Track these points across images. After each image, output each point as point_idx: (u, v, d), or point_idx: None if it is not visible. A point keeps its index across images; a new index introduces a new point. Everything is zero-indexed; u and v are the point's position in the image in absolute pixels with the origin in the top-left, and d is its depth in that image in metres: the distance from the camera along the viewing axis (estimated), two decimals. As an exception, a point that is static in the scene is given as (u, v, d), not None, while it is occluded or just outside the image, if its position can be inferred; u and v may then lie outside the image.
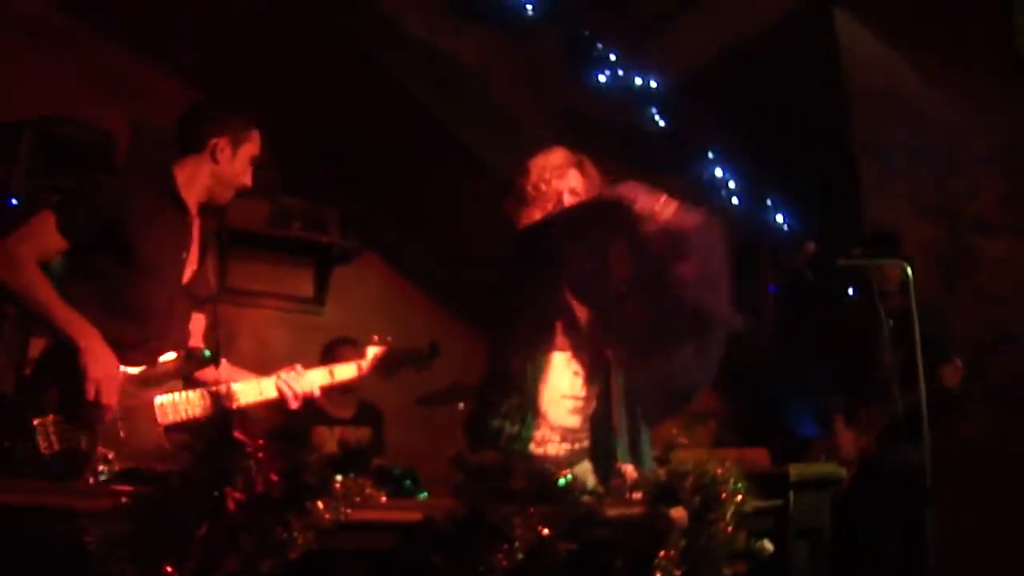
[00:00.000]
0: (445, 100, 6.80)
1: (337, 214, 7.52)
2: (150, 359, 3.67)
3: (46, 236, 3.61)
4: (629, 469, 3.56)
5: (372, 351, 4.34)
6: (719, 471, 3.01)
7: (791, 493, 3.35)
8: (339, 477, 2.53)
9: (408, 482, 5.26)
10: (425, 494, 5.26)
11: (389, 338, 4.41)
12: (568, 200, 3.92)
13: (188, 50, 6.83)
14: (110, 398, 3.49)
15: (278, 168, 7.48)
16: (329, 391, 6.20)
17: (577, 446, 3.82)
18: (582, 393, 3.85)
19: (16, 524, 2.21)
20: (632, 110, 7.43)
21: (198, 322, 4.06)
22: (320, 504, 2.42)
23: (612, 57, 7.34)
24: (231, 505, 2.27)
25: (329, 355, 6.76)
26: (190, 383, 3.80)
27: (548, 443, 3.75)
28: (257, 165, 4.02)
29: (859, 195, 7.05)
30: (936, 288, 6.48)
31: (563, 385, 3.81)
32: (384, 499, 2.63)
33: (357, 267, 7.81)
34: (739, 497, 2.99)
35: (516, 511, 2.62)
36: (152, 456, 3.51)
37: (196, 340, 4.00)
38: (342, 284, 7.76)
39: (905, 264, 5.03)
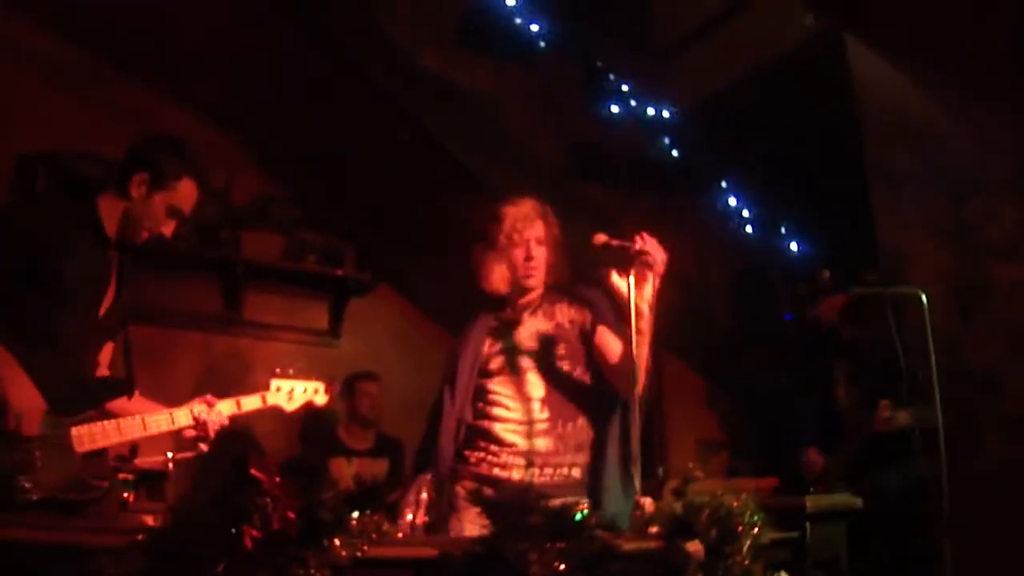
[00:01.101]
0: (459, 132, 6.82)
1: (352, 247, 7.55)
2: (61, 388, 3.58)
3: None
4: (647, 502, 3.54)
5: (275, 383, 4.38)
6: (735, 504, 3.01)
7: (808, 524, 3.34)
8: (355, 514, 2.53)
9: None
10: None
11: (291, 371, 4.47)
12: (534, 249, 4.04)
13: (204, 84, 6.88)
14: (31, 429, 3.44)
15: (294, 201, 7.55)
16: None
17: (554, 472, 3.89)
18: (543, 416, 3.92)
19: (22, 561, 2.22)
20: (645, 140, 7.46)
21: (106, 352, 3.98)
22: (337, 541, 2.42)
23: (625, 87, 7.38)
24: (248, 543, 2.28)
25: (349, 388, 6.80)
26: (103, 413, 3.76)
27: (513, 468, 3.86)
28: (179, 219, 3.90)
29: (873, 221, 7.03)
30: (951, 314, 6.45)
31: (516, 408, 3.94)
32: (400, 535, 2.63)
33: (373, 299, 7.83)
34: (755, 530, 2.99)
35: (532, 547, 2.62)
36: (68, 486, 3.51)
37: (103, 370, 3.95)
38: (358, 316, 7.77)
39: (920, 292, 5.01)
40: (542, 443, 3.88)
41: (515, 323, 4.09)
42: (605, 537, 2.84)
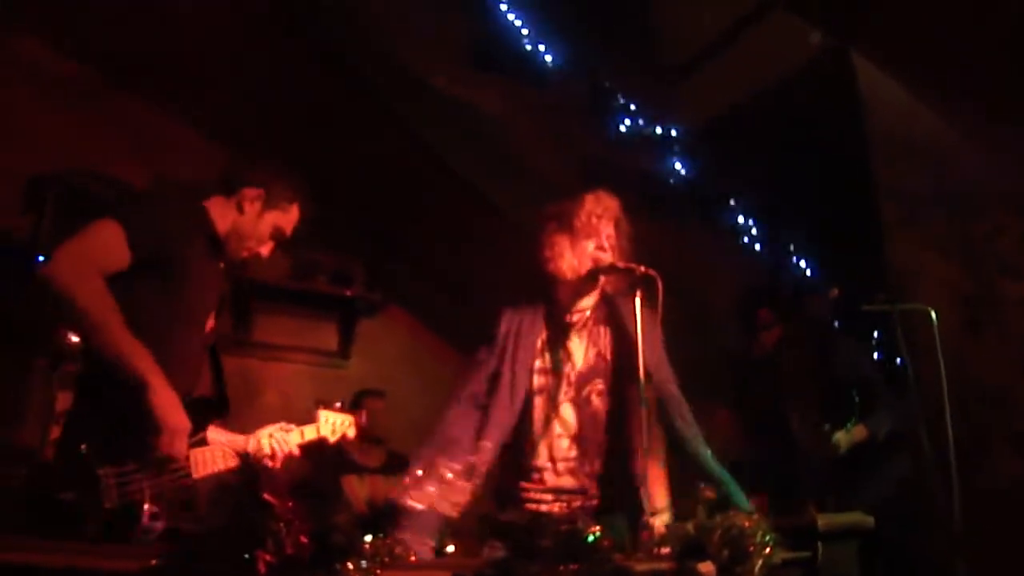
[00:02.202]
0: (468, 152, 6.85)
1: (362, 267, 7.57)
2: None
3: (113, 246, 3.30)
4: (657, 523, 3.54)
5: (324, 415, 4.46)
6: (747, 524, 3.00)
7: (819, 544, 3.34)
8: (368, 537, 2.53)
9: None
10: (451, 548, 5.28)
11: (337, 404, 4.60)
12: (605, 243, 3.89)
13: (213, 104, 6.91)
14: (182, 449, 3.32)
15: (303, 221, 7.56)
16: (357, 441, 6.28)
17: (579, 503, 3.82)
18: (571, 454, 3.85)
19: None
20: (654, 159, 7.47)
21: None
22: (350, 565, 2.42)
23: (633, 107, 7.39)
24: (262, 567, 2.28)
25: (357, 407, 6.81)
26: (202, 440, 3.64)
27: (544, 502, 3.79)
28: (279, 240, 3.83)
29: (881, 239, 7.02)
30: (960, 331, 6.44)
31: (544, 441, 3.87)
32: (413, 558, 2.63)
33: (382, 319, 7.86)
34: (767, 550, 2.98)
35: (544, 569, 2.62)
36: (187, 513, 3.41)
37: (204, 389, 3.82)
38: (367, 337, 7.80)
39: (929, 309, 5.00)
40: (565, 481, 3.82)
41: (565, 337, 3.96)
42: (617, 559, 2.84)
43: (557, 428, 3.86)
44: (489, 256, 6.69)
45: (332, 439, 4.43)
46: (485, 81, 6.97)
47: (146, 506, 3.19)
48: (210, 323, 3.72)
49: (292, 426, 4.07)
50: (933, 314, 4.94)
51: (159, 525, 3.17)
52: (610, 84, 7.39)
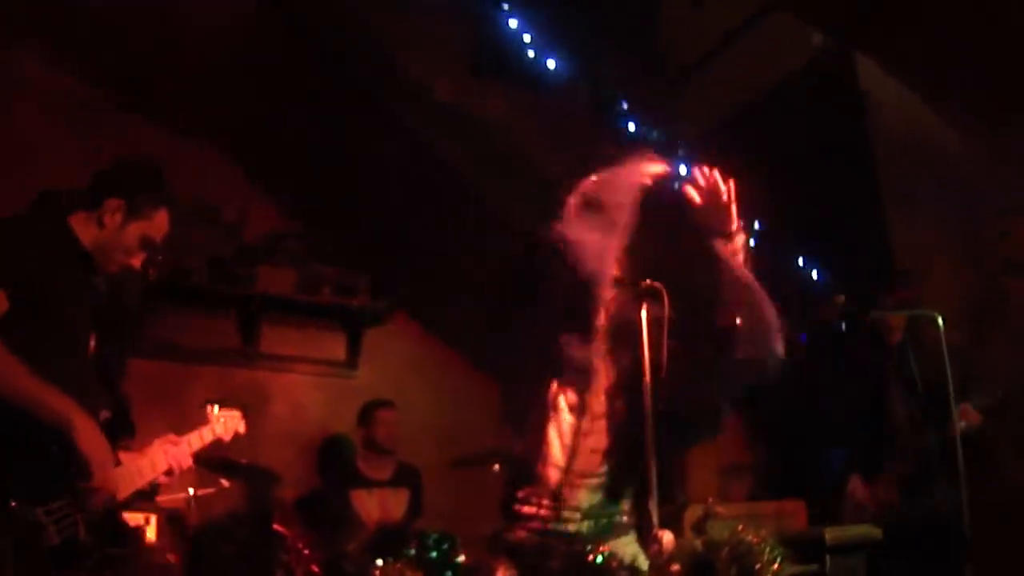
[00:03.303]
0: (472, 160, 6.87)
1: (367, 277, 7.58)
2: None
3: None
4: (667, 536, 3.51)
5: (216, 415, 4.34)
6: (755, 540, 3.01)
7: (827, 557, 3.35)
8: (379, 562, 2.55)
9: (445, 546, 5.31)
10: (462, 558, 5.31)
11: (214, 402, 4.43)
12: None
13: (217, 121, 6.92)
14: (113, 479, 3.33)
15: (307, 234, 7.60)
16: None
17: (605, 521, 3.76)
18: (602, 470, 3.81)
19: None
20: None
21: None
22: (360, 592, 2.43)
23: (636, 113, 7.39)
24: (273, 599, 2.30)
25: (366, 419, 6.83)
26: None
27: (569, 522, 3.61)
28: (150, 250, 3.67)
29: (887, 242, 7.02)
30: (967, 333, 6.44)
31: (577, 466, 3.74)
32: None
33: (389, 329, 7.86)
34: (775, 566, 2.99)
35: (554, 591, 2.63)
36: (116, 536, 3.42)
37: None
38: (374, 346, 7.81)
39: (936, 315, 4.98)
40: (595, 497, 3.66)
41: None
42: (626, 577, 2.85)
43: (596, 443, 3.83)
44: (493, 263, 6.70)
45: (227, 438, 4.33)
46: (489, 88, 6.97)
47: (80, 537, 3.23)
48: (92, 342, 3.64)
49: (178, 437, 3.92)
50: (940, 320, 4.92)
51: (92, 555, 3.23)
52: (613, 90, 7.39)
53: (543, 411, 3.78)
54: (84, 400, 3.47)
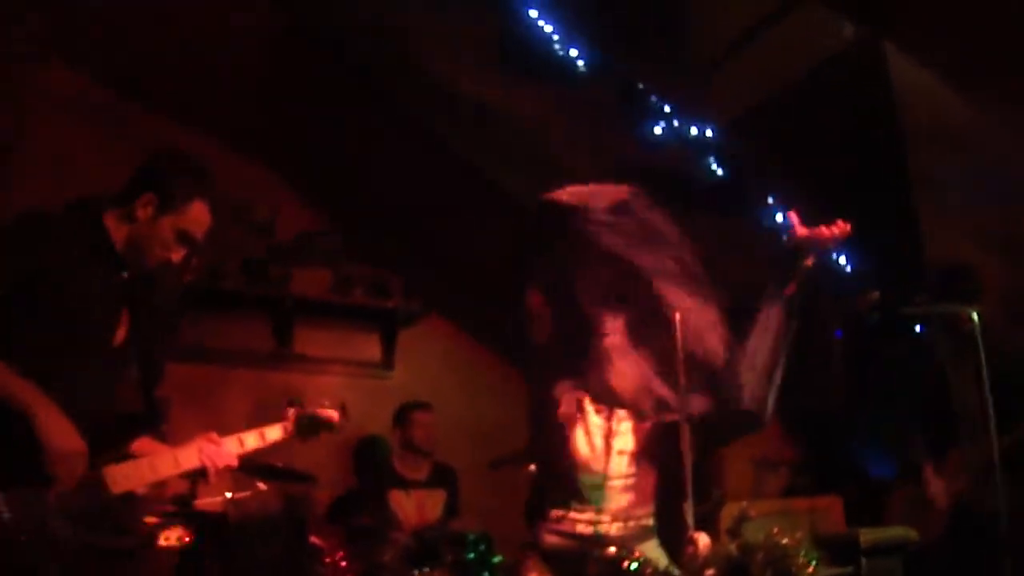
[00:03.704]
0: (500, 157, 6.87)
1: (400, 278, 7.61)
2: (83, 425, 3.35)
3: None
4: (703, 539, 3.51)
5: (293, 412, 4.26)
6: (790, 543, 3.01)
7: (863, 559, 3.34)
8: (416, 572, 2.56)
9: (482, 547, 5.34)
10: (499, 558, 5.33)
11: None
12: None
13: (247, 123, 6.96)
14: (73, 476, 3.27)
15: (339, 234, 7.62)
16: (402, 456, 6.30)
17: (632, 524, 3.78)
18: (631, 471, 3.79)
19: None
20: (689, 158, 7.44)
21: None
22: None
23: (666, 107, 7.37)
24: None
25: (403, 420, 6.84)
26: (127, 453, 3.57)
27: (599, 524, 3.68)
28: (190, 244, 3.66)
29: (919, 232, 6.97)
30: (1002, 323, 6.38)
31: (601, 467, 3.75)
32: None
33: (423, 329, 7.90)
34: (810, 569, 2.98)
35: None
36: (108, 532, 3.36)
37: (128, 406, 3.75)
38: (409, 346, 7.85)
39: (972, 311, 4.91)
40: (621, 499, 3.73)
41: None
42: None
43: (622, 444, 3.81)
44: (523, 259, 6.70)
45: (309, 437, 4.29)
46: (515, 85, 6.96)
47: (50, 528, 3.19)
48: (120, 337, 3.63)
49: (219, 437, 3.84)
50: (975, 316, 4.85)
51: (70, 546, 3.20)
52: (642, 85, 7.37)
53: (570, 413, 3.82)
54: (100, 394, 3.53)
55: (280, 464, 5.44)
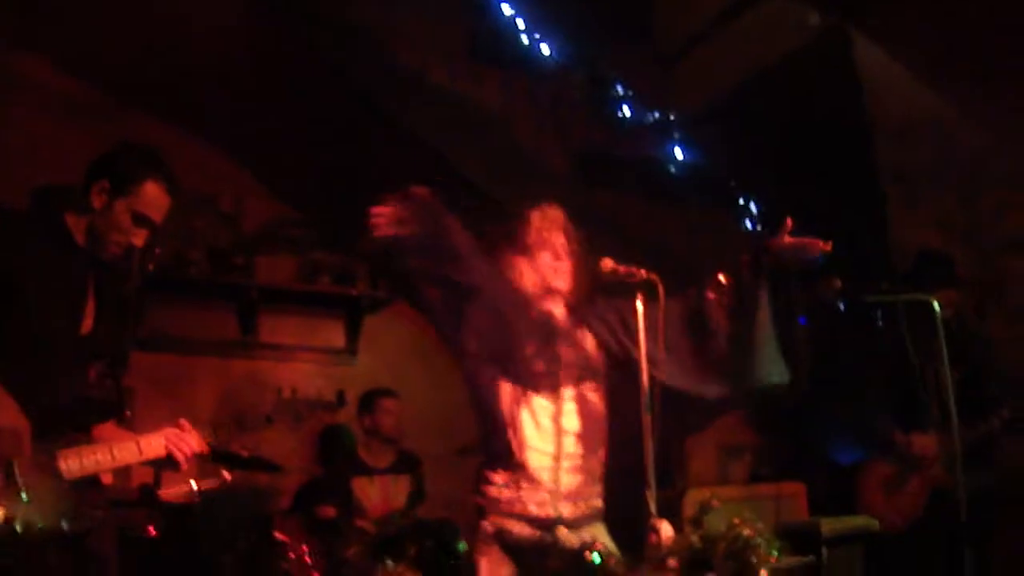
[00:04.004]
0: (468, 146, 6.85)
1: (365, 265, 7.60)
2: (42, 409, 3.35)
3: None
4: (665, 527, 3.51)
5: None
6: (751, 533, 3.02)
7: (824, 549, 3.36)
8: (380, 566, 2.56)
9: (447, 534, 5.34)
10: (464, 545, 5.33)
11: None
12: (561, 253, 3.96)
13: (211, 112, 6.92)
14: (14, 451, 3.24)
15: (304, 223, 7.60)
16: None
17: (583, 504, 3.80)
18: (579, 451, 3.82)
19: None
20: (654, 146, 7.46)
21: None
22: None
23: (632, 95, 7.37)
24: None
25: (367, 407, 6.83)
26: (88, 439, 3.53)
27: (547, 505, 3.71)
28: (149, 227, 3.65)
29: (885, 220, 7.01)
30: (967, 311, 6.43)
31: (550, 447, 3.79)
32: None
33: (388, 316, 7.88)
34: (772, 559, 3.00)
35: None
36: (60, 517, 3.29)
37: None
38: (374, 333, 7.83)
39: (932, 300, 4.94)
40: (571, 480, 3.76)
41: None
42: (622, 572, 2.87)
43: (567, 424, 3.83)
44: (490, 247, 6.69)
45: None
46: (483, 74, 6.96)
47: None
48: (87, 326, 3.63)
49: (189, 424, 3.78)
50: (936, 304, 4.88)
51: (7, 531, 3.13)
52: (608, 73, 7.37)
53: (515, 394, 3.84)
54: (62, 383, 3.50)
55: (246, 453, 5.41)
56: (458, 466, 6.62)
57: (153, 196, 3.63)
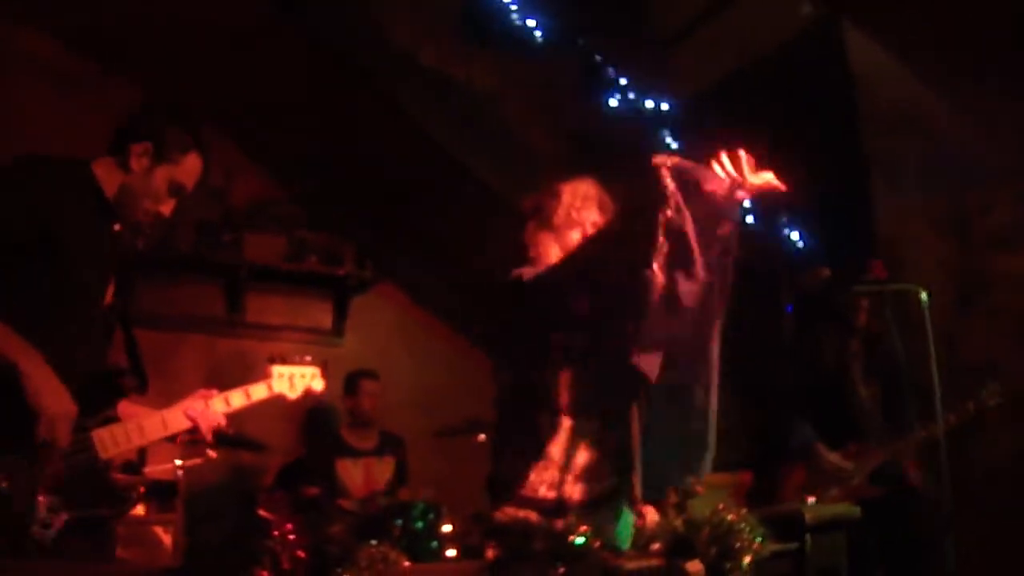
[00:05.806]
0: (458, 128, 6.86)
1: (353, 246, 7.60)
2: (76, 384, 3.22)
3: None
4: (650, 512, 3.51)
5: (277, 370, 4.08)
6: (734, 519, 3.03)
7: (807, 535, 3.36)
8: (364, 545, 2.56)
9: (431, 515, 5.35)
10: (448, 527, 5.33)
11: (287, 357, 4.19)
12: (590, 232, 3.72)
13: (202, 86, 6.89)
14: (64, 438, 3.13)
15: (293, 202, 7.59)
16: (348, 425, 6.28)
17: (596, 485, 3.73)
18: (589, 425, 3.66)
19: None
20: (645, 132, 7.45)
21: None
22: (346, 575, 2.44)
23: (623, 80, 7.37)
24: (258, 584, 2.31)
25: (351, 388, 6.83)
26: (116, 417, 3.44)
27: (563, 484, 3.56)
28: (180, 196, 3.52)
29: (872, 212, 7.03)
30: (951, 306, 6.46)
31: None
32: (407, 564, 2.66)
33: (374, 296, 7.89)
34: (755, 545, 3.01)
35: (537, 572, 2.65)
36: (98, 500, 3.27)
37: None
38: (360, 314, 7.84)
39: (918, 289, 4.95)
40: (582, 457, 3.61)
41: None
42: (606, 558, 2.88)
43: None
44: (478, 230, 6.71)
45: (292, 395, 4.06)
46: (475, 56, 6.96)
47: (40, 498, 3.07)
48: (110, 293, 3.51)
49: (209, 392, 3.73)
50: (924, 295, 4.89)
51: (60, 517, 3.10)
52: (600, 57, 7.37)
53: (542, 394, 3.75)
54: (91, 351, 3.40)
55: (231, 432, 5.39)
56: (442, 447, 6.66)
57: (193, 169, 3.53)
